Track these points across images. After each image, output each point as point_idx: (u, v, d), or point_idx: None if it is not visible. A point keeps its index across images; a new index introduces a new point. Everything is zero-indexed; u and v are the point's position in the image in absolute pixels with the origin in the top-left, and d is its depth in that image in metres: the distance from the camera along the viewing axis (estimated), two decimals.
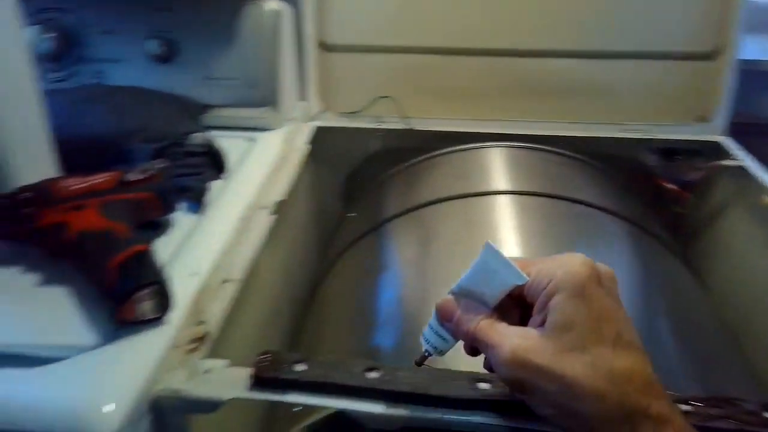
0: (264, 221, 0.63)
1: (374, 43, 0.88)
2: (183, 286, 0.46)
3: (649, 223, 0.76)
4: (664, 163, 0.89)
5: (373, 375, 0.39)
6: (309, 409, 0.55)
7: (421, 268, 0.63)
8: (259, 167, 0.69)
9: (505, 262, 0.34)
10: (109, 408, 0.36)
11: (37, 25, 0.72)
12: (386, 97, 0.86)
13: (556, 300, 0.31)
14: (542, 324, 0.31)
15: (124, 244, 0.43)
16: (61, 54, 0.73)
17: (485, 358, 0.34)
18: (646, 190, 0.87)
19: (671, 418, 0.29)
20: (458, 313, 0.34)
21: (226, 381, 0.41)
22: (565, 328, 0.30)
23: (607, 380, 0.29)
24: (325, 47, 0.87)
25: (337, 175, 0.95)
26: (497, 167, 0.81)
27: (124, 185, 0.49)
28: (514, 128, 0.86)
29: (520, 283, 0.33)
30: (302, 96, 0.86)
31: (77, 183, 0.48)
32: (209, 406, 0.40)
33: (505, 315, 0.34)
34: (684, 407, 0.36)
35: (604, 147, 0.86)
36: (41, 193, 0.47)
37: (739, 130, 0.87)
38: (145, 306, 0.41)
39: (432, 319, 0.37)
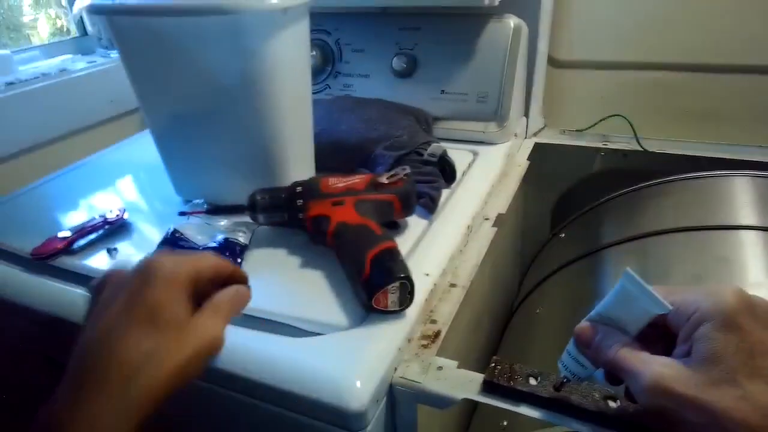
0: (486, 232, 0.65)
1: (605, 58, 0.84)
2: (417, 284, 0.50)
3: None
4: None
5: (612, 404, 0.37)
6: (516, 424, 0.55)
7: None
8: (482, 180, 0.71)
9: (647, 290, 0.33)
10: (360, 383, 0.40)
11: None
12: (617, 115, 0.81)
13: (702, 330, 0.30)
14: (687, 355, 0.31)
15: (377, 239, 0.48)
16: (320, 69, 0.84)
17: (626, 387, 0.33)
18: None
19: None
20: (598, 339, 0.34)
21: (459, 381, 0.43)
22: (713, 359, 0.29)
23: (760, 416, 0.28)
24: (554, 63, 0.86)
25: (549, 193, 0.93)
26: (744, 199, 0.71)
27: (375, 187, 0.54)
28: (764, 155, 0.75)
29: (662, 312, 0.32)
30: (526, 111, 0.86)
31: (337, 182, 0.55)
32: (442, 402, 0.42)
33: (646, 344, 0.33)
34: None
35: None
36: (309, 188, 0.55)
37: None
38: (393, 298, 0.45)
39: (570, 344, 0.36)
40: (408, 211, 0.56)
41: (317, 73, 0.84)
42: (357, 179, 0.55)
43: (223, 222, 0.57)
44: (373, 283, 0.45)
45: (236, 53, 0.50)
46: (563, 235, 0.85)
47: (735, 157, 0.76)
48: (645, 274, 0.65)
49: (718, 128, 0.80)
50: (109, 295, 0.35)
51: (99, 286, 0.37)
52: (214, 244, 0.53)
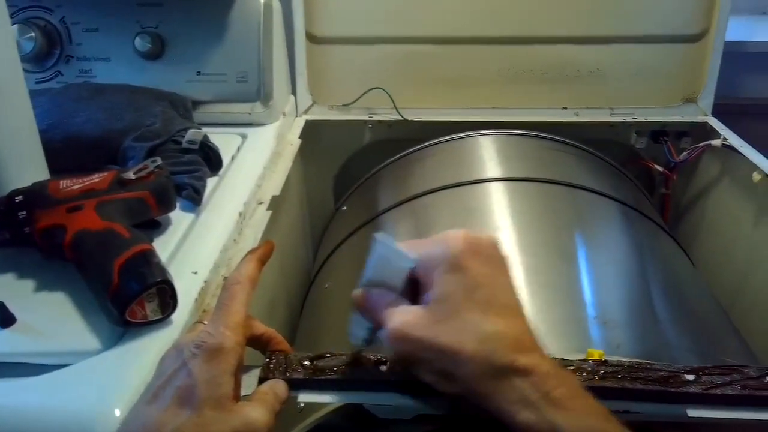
0: (260, 217, 0.63)
1: (363, 34, 0.87)
2: (185, 284, 0.46)
3: (641, 204, 0.77)
4: (652, 145, 0.90)
5: (383, 368, 0.39)
6: (314, 405, 0.55)
7: None
8: (253, 163, 0.68)
9: (394, 249, 0.35)
10: (120, 411, 0.36)
11: (18, 25, 0.70)
12: (377, 88, 0.85)
13: (435, 275, 0.33)
14: None
15: (126, 243, 0.42)
16: (44, 54, 0.71)
17: None
18: (636, 173, 0.88)
19: (536, 367, 0.31)
20: (370, 303, 0.36)
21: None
22: (442, 299, 0.33)
23: (476, 342, 0.31)
24: (314, 39, 0.86)
25: (328, 169, 0.94)
26: (490, 155, 0.81)
27: (120, 184, 0.48)
28: (506, 115, 0.86)
29: (411, 266, 0.35)
30: (292, 90, 0.85)
31: (72, 184, 0.47)
32: None
33: (414, 298, 0.36)
34: (688, 377, 0.37)
35: (594, 131, 0.87)
36: (35, 196, 0.46)
37: (720, 110, 0.89)
38: (151, 306, 0.41)
39: (353, 313, 0.38)
40: (167, 206, 0.51)
41: (42, 58, 0.71)
42: (97, 178, 0.48)
43: None
44: (124, 294, 0.40)
45: None
46: (345, 207, 0.88)
47: (479, 119, 0.86)
48: (417, 231, 0.71)
49: (463, 94, 0.89)
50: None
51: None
52: None
